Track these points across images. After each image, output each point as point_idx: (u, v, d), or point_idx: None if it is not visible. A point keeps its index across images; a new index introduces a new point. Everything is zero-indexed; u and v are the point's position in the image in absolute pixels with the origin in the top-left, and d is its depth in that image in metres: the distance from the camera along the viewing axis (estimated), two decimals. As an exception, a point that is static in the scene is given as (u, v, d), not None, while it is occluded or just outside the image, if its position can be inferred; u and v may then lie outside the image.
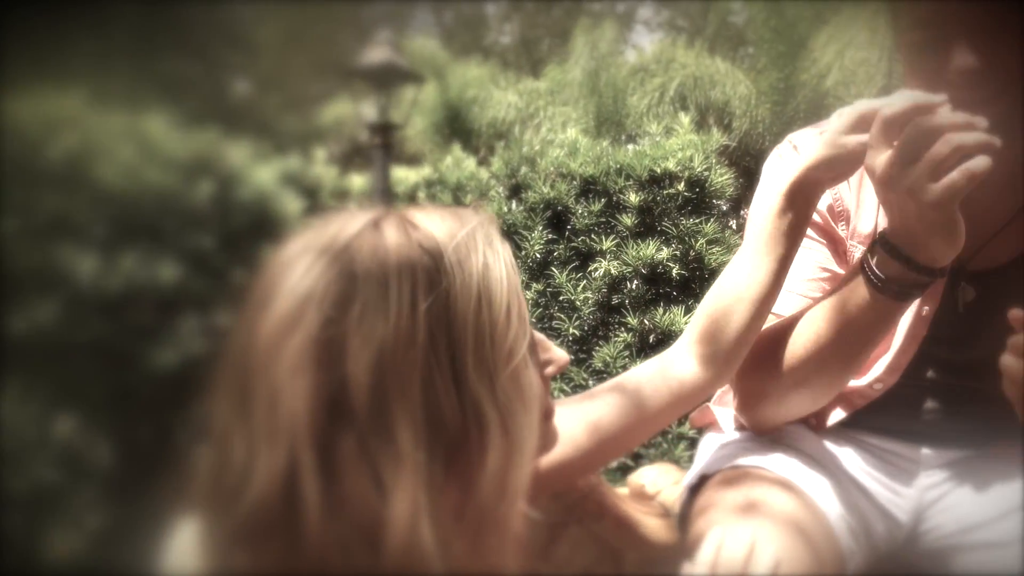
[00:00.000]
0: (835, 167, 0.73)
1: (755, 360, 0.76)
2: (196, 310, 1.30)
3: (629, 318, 1.77)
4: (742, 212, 2.14)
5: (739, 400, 0.82)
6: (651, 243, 1.79)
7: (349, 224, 0.53)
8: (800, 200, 0.74)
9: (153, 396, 1.24)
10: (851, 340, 0.74)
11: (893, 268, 0.71)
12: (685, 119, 1.94)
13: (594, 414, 0.69)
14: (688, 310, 1.77)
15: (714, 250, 1.81)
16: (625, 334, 1.77)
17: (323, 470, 0.48)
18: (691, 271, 1.81)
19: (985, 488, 0.80)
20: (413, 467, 0.48)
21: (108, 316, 1.29)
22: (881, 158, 0.67)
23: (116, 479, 1.25)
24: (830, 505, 0.76)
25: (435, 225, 0.54)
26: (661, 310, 1.77)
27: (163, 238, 1.31)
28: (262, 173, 1.66)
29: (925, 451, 0.85)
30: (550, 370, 0.60)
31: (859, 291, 0.73)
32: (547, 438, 0.60)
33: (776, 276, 0.74)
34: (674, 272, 1.78)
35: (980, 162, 0.64)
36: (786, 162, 0.88)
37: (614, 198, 1.86)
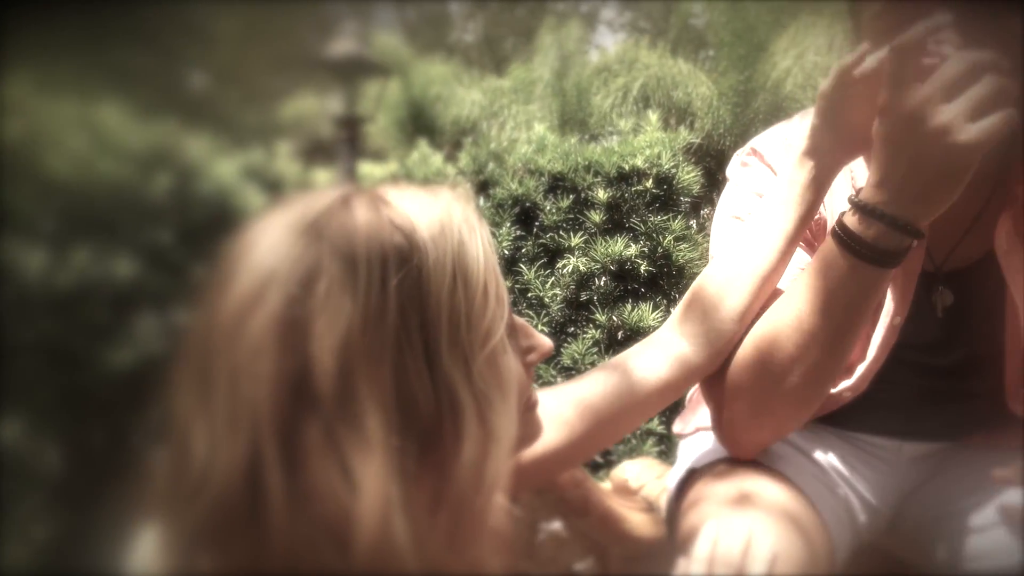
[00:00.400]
0: (846, 108, 0.69)
1: (741, 372, 0.72)
2: (153, 308, 1.25)
3: (597, 315, 1.76)
4: (702, 212, 2.16)
5: (727, 425, 0.76)
6: (619, 240, 1.78)
7: (317, 200, 0.50)
8: (816, 162, 0.70)
9: (108, 398, 1.19)
10: (836, 320, 0.70)
11: (874, 229, 0.68)
12: (653, 117, 1.94)
13: (587, 397, 0.67)
14: (656, 306, 1.78)
15: (681, 247, 1.82)
16: (594, 331, 1.77)
17: (287, 460, 0.45)
18: (659, 268, 1.81)
19: (963, 477, 0.80)
20: (383, 456, 0.46)
21: (58, 314, 1.23)
22: (909, 92, 0.63)
23: (67, 486, 1.19)
24: (820, 496, 0.76)
25: (408, 202, 0.51)
26: (629, 307, 1.77)
27: (118, 232, 1.25)
28: (223, 167, 1.61)
29: (905, 444, 0.86)
30: (532, 357, 0.57)
31: (837, 264, 0.69)
32: (529, 429, 0.57)
33: (782, 251, 0.71)
34: (642, 269, 1.78)
35: (1015, 114, 0.61)
36: (796, 127, 0.85)
37: (582, 195, 1.86)
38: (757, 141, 0.88)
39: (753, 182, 0.85)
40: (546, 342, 0.58)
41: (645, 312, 1.75)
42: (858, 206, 0.69)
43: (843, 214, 0.70)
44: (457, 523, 0.50)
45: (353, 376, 0.46)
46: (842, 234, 0.70)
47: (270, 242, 0.49)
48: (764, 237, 0.74)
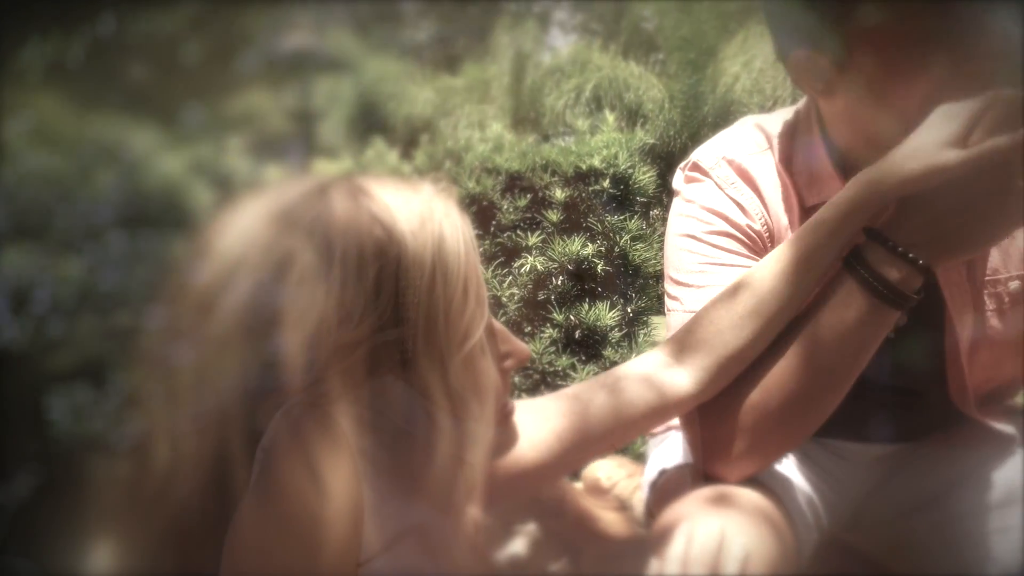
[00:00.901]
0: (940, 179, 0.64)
1: (744, 411, 0.69)
2: (98, 307, 1.19)
3: (555, 314, 1.77)
4: (652, 212, 2.19)
5: (715, 456, 0.73)
6: (576, 239, 1.79)
7: (293, 188, 0.48)
8: (861, 218, 0.66)
9: (50, 403, 1.13)
10: (846, 359, 0.68)
11: (901, 272, 0.65)
12: (610, 117, 1.96)
13: (573, 413, 0.65)
14: (613, 306, 1.79)
15: (638, 247, 1.84)
16: (551, 330, 1.77)
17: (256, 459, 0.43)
18: (615, 267, 1.83)
19: (924, 475, 0.83)
20: (353, 457, 0.44)
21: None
22: (1007, 145, 0.62)
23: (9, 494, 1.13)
24: (788, 495, 0.77)
25: (388, 193, 0.50)
26: (586, 306, 1.78)
27: (58, 229, 1.20)
28: (169, 162, 1.55)
29: (868, 446, 0.88)
30: (509, 363, 0.56)
31: (853, 303, 0.66)
32: (505, 438, 0.56)
33: (804, 296, 0.66)
34: (599, 268, 1.79)
35: None
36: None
37: (540, 194, 1.86)
38: (700, 156, 0.87)
39: (704, 198, 0.84)
40: (524, 348, 0.57)
41: (602, 311, 1.76)
42: (889, 246, 0.67)
43: (862, 249, 0.67)
44: (429, 527, 0.48)
45: (324, 371, 0.44)
46: (864, 272, 0.67)
47: (241, 229, 0.46)
48: (778, 280, 0.69)
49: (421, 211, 0.49)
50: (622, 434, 0.66)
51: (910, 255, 0.66)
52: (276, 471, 0.43)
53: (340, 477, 0.44)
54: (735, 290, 0.68)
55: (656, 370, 0.67)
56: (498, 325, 0.57)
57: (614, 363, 1.95)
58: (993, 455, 0.79)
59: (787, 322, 0.68)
